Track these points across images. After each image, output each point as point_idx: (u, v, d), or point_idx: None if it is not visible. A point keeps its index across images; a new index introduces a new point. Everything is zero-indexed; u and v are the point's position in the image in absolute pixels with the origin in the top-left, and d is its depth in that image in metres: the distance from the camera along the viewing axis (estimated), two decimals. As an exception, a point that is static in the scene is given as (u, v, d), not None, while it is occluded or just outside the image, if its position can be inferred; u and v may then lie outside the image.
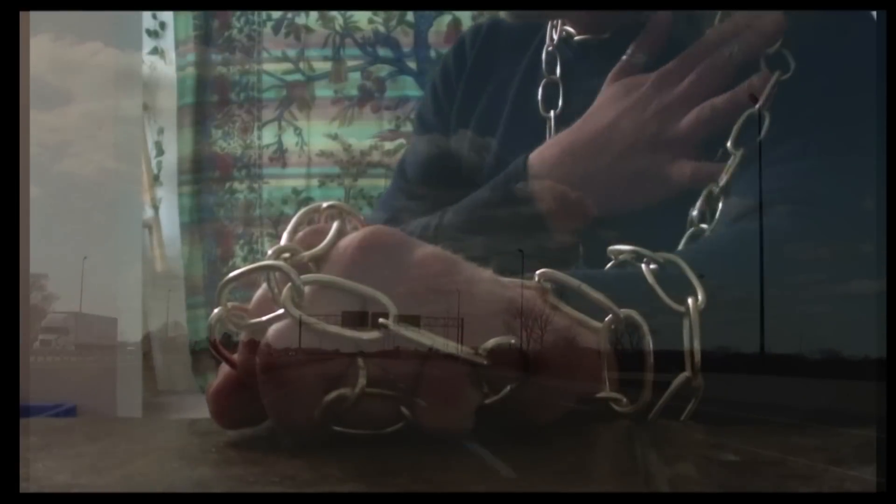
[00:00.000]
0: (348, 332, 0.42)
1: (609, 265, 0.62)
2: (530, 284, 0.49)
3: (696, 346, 0.51)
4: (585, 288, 0.49)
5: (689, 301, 0.52)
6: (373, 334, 0.42)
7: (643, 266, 0.55)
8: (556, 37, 1.06)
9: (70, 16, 1.64)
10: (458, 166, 1.15)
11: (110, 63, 1.95)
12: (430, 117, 1.25)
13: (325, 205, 0.51)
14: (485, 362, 0.42)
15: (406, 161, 1.36)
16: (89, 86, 1.90)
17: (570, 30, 1.04)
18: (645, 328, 0.51)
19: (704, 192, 0.82)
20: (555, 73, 1.07)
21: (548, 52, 1.07)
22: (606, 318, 0.48)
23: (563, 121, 1.02)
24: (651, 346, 0.50)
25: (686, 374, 0.51)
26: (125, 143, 2.04)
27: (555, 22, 1.07)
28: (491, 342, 0.43)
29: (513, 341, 0.43)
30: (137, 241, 2.09)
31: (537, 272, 0.50)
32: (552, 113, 1.04)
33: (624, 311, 0.49)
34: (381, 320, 0.42)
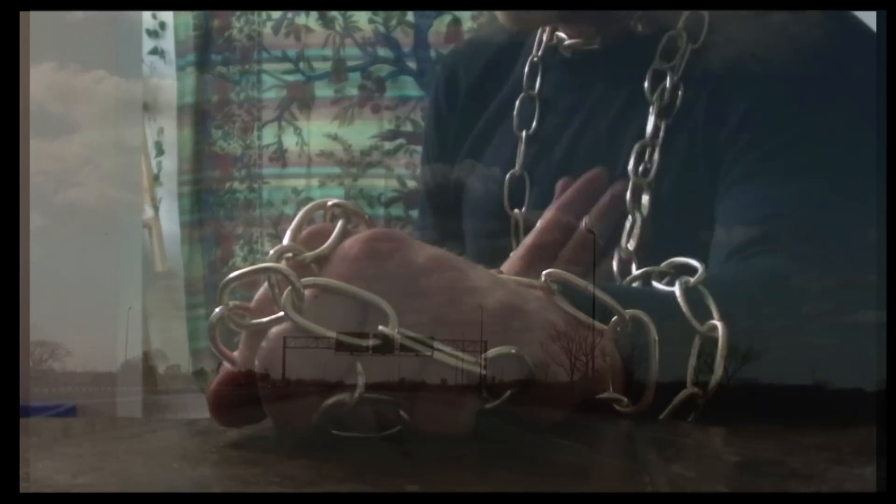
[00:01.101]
0: (348, 339, 0.42)
1: (628, 279, 0.62)
2: (538, 284, 0.48)
3: (719, 372, 0.51)
4: (592, 289, 0.49)
5: (719, 326, 0.52)
6: (373, 341, 0.42)
7: (678, 285, 0.55)
8: (544, 40, 1.02)
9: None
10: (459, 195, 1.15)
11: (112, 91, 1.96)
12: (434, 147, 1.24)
13: (329, 202, 0.51)
14: (483, 372, 0.41)
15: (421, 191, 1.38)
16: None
17: (562, 35, 1.00)
18: (652, 329, 0.51)
19: None
20: (533, 87, 1.02)
21: (531, 63, 1.02)
22: (613, 320, 0.48)
23: (536, 140, 1.02)
24: (657, 347, 0.50)
25: (694, 390, 0.52)
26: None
27: (544, 28, 1.05)
28: (492, 352, 0.43)
29: (513, 351, 0.43)
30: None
31: (544, 272, 0.49)
32: (524, 133, 1.00)
33: (630, 312, 0.49)
34: (380, 328, 0.41)
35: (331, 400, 0.42)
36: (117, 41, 1.92)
